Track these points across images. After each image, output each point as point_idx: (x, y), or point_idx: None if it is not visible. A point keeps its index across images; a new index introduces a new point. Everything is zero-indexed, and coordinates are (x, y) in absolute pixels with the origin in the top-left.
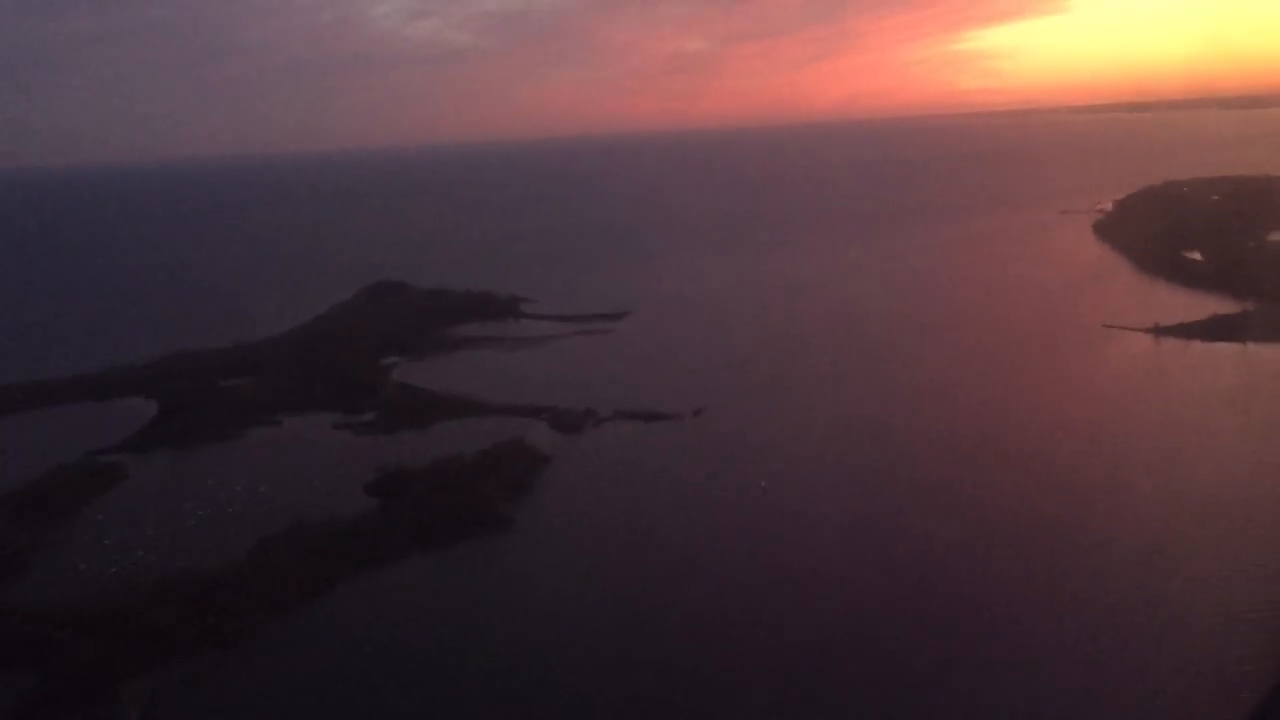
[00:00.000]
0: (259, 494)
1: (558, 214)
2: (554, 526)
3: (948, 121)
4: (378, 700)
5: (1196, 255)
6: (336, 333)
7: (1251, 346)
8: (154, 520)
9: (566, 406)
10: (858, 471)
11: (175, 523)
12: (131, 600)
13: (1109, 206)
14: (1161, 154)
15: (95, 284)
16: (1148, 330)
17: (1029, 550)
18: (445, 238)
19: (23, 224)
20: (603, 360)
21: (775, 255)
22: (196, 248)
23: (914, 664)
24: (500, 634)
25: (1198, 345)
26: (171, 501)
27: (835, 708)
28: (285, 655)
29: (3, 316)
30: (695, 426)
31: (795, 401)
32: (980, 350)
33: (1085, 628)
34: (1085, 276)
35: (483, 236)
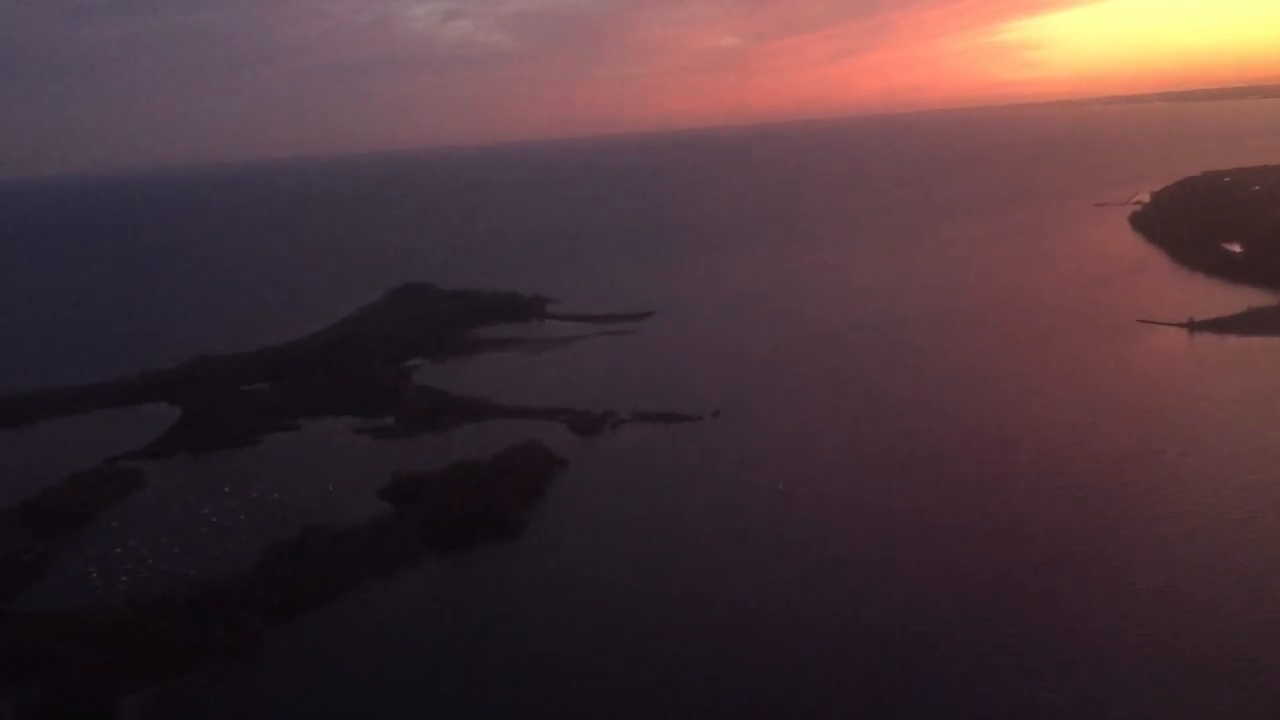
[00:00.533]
0: (273, 500)
1: (589, 213)
2: (566, 532)
3: (986, 114)
4: (380, 711)
5: (1236, 247)
6: (361, 336)
7: None
8: (168, 527)
9: (585, 408)
10: (880, 471)
11: (188, 530)
12: (136, 610)
13: (1146, 198)
14: (1202, 144)
15: (126, 289)
16: (1183, 325)
17: (1050, 549)
18: (476, 239)
19: (57, 230)
20: (624, 361)
21: (807, 252)
22: (228, 252)
23: (953, 666)
24: (508, 643)
25: (1234, 340)
26: (187, 508)
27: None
28: (288, 665)
29: (35, 322)
30: (714, 428)
31: (819, 400)
32: (1010, 349)
33: (1111, 632)
34: (1120, 270)
35: (513, 237)
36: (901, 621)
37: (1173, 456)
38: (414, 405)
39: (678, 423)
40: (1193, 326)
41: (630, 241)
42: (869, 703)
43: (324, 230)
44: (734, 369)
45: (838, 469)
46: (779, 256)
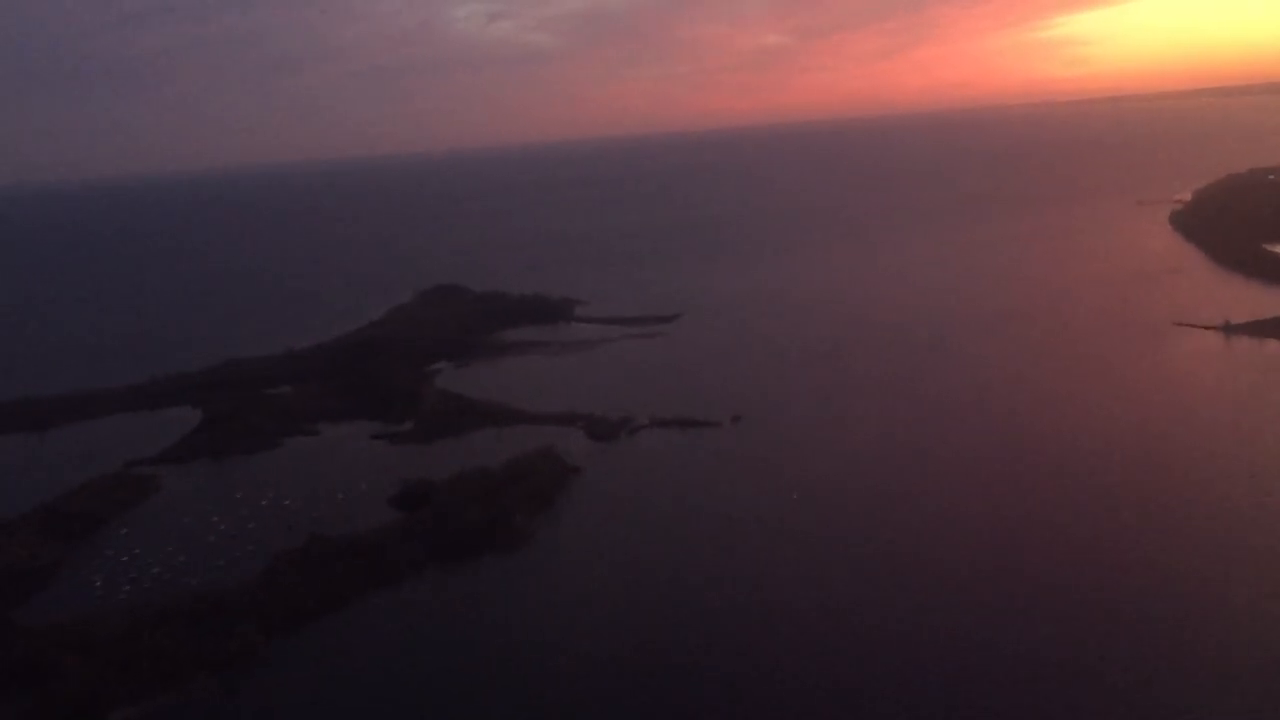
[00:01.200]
0: (285, 507)
1: (626, 213)
2: (573, 543)
3: (1033, 110)
4: None
5: (1278, 248)
6: (387, 339)
7: None
8: (177, 535)
9: (604, 413)
10: (904, 476)
11: (198, 537)
12: (136, 621)
13: (1188, 196)
14: (1250, 140)
15: (160, 291)
16: (1219, 328)
17: (1090, 554)
18: (512, 240)
19: (98, 233)
20: (648, 364)
21: (844, 251)
22: (264, 254)
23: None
24: (509, 656)
25: (1272, 344)
26: (198, 515)
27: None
28: (286, 679)
29: (70, 323)
30: (733, 434)
31: (846, 404)
32: (1043, 351)
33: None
34: (1158, 270)
35: (549, 237)
36: (951, 633)
37: (1203, 461)
38: (433, 410)
39: (696, 428)
40: (1229, 329)
41: (665, 242)
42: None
43: (361, 232)
44: (759, 372)
45: (860, 475)
46: (815, 256)
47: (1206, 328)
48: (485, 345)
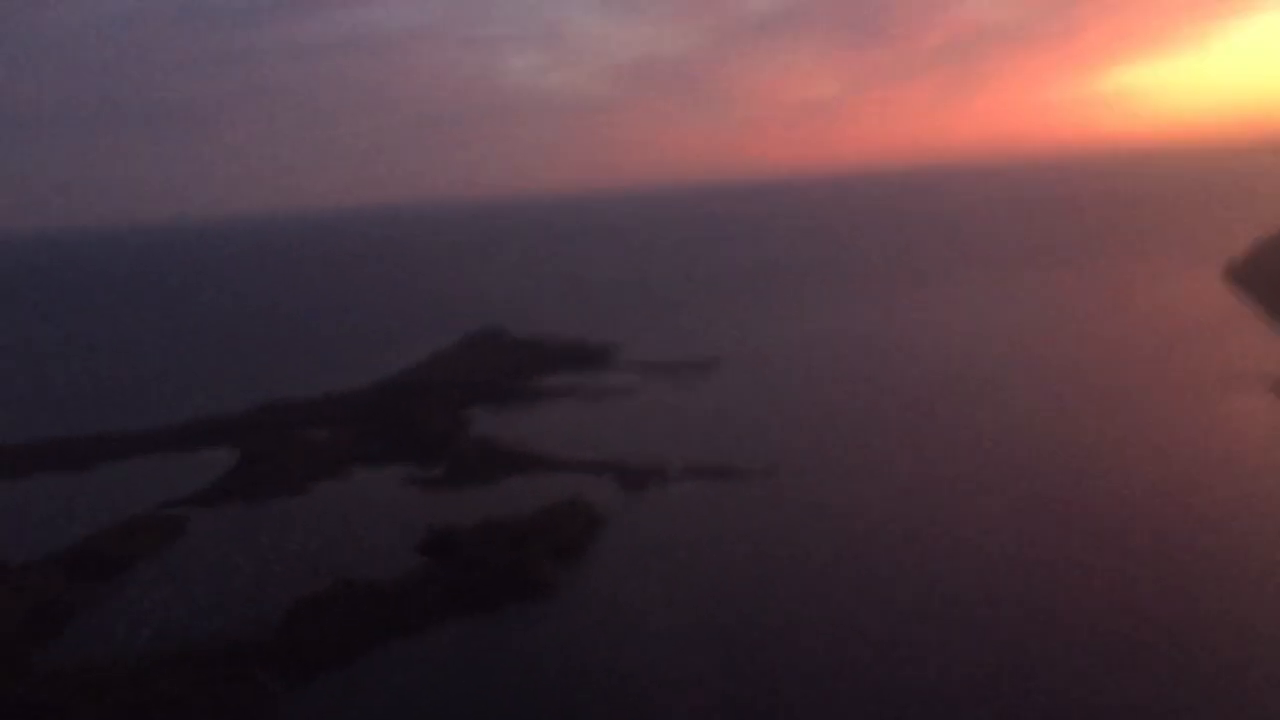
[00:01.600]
0: (310, 551)
1: (676, 258)
2: (598, 593)
3: (1084, 163)
4: None
5: None
6: (425, 383)
7: None
8: (202, 578)
9: (636, 461)
10: (936, 529)
11: (221, 581)
12: (153, 665)
13: (1242, 249)
14: None
15: (211, 332)
16: (1270, 387)
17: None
18: (560, 284)
19: (150, 274)
20: (684, 412)
21: (890, 299)
22: (316, 296)
23: None
24: (530, 707)
25: None
26: (224, 558)
27: None
28: None
29: (110, 363)
30: (766, 485)
31: (884, 457)
32: (1086, 407)
33: None
34: (1208, 325)
35: (597, 282)
36: (989, 684)
37: (1244, 515)
38: (465, 456)
39: (729, 478)
40: None
41: (711, 288)
42: None
43: (410, 275)
44: (797, 422)
45: (896, 528)
46: (861, 304)
47: (1256, 385)
48: (523, 390)
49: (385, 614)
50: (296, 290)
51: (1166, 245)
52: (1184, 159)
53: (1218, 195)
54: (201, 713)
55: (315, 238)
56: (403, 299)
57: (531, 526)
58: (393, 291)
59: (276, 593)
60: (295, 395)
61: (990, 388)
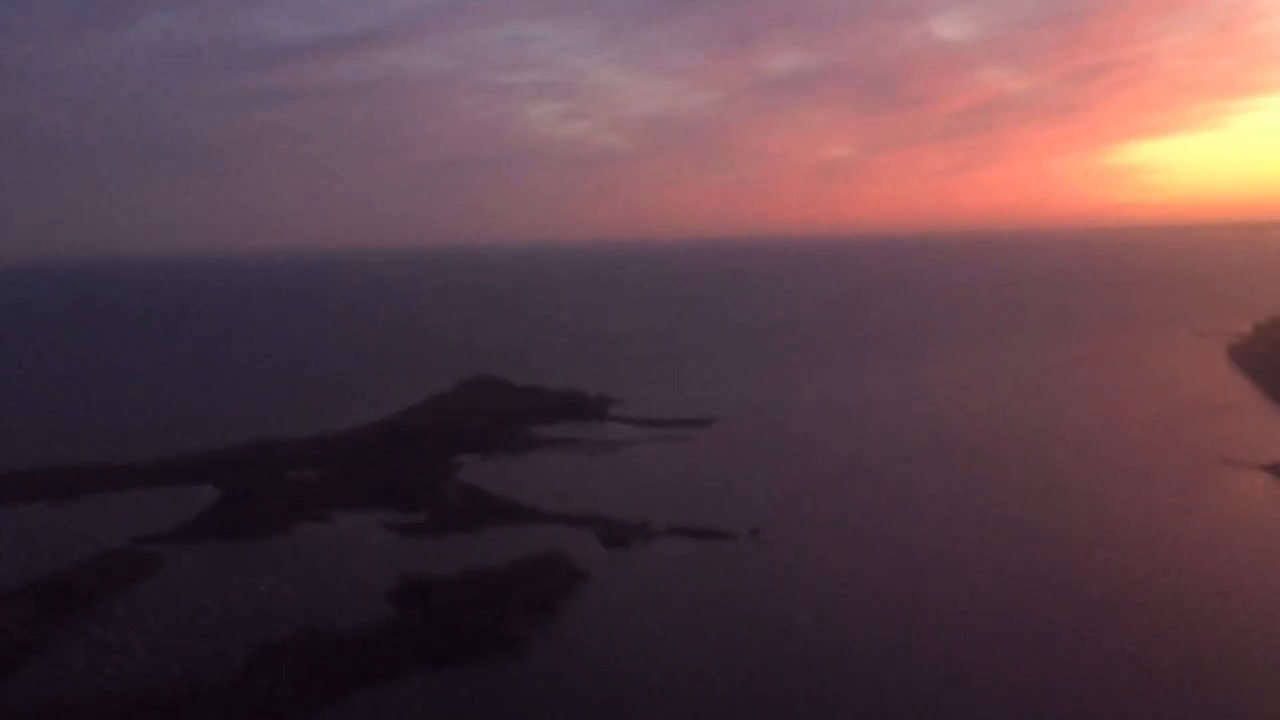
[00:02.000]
0: (282, 594)
1: (682, 314)
2: (571, 650)
3: (1097, 235)
4: None
5: None
6: (417, 428)
7: None
8: (170, 617)
9: (621, 517)
10: (919, 606)
11: (188, 621)
12: (111, 708)
13: (1248, 329)
14: None
15: (211, 368)
16: (1267, 467)
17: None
18: (564, 334)
19: (155, 308)
20: (674, 469)
21: (893, 365)
22: (318, 336)
23: None
24: None
25: None
26: (193, 597)
27: None
28: None
29: (108, 396)
30: (749, 548)
31: (873, 524)
32: (1078, 484)
33: None
34: (1210, 405)
35: (602, 334)
36: None
37: (1243, 599)
38: (451, 503)
39: (713, 539)
40: (1278, 471)
41: (715, 345)
42: None
43: (415, 319)
44: (787, 485)
45: (879, 596)
46: (862, 369)
47: (1257, 467)
48: (515, 439)
49: (350, 663)
50: (300, 329)
51: (1173, 321)
52: (1196, 234)
53: (1230, 271)
54: None
55: (325, 278)
56: (404, 342)
57: (509, 579)
58: (395, 334)
59: (243, 636)
60: (286, 435)
61: (987, 459)
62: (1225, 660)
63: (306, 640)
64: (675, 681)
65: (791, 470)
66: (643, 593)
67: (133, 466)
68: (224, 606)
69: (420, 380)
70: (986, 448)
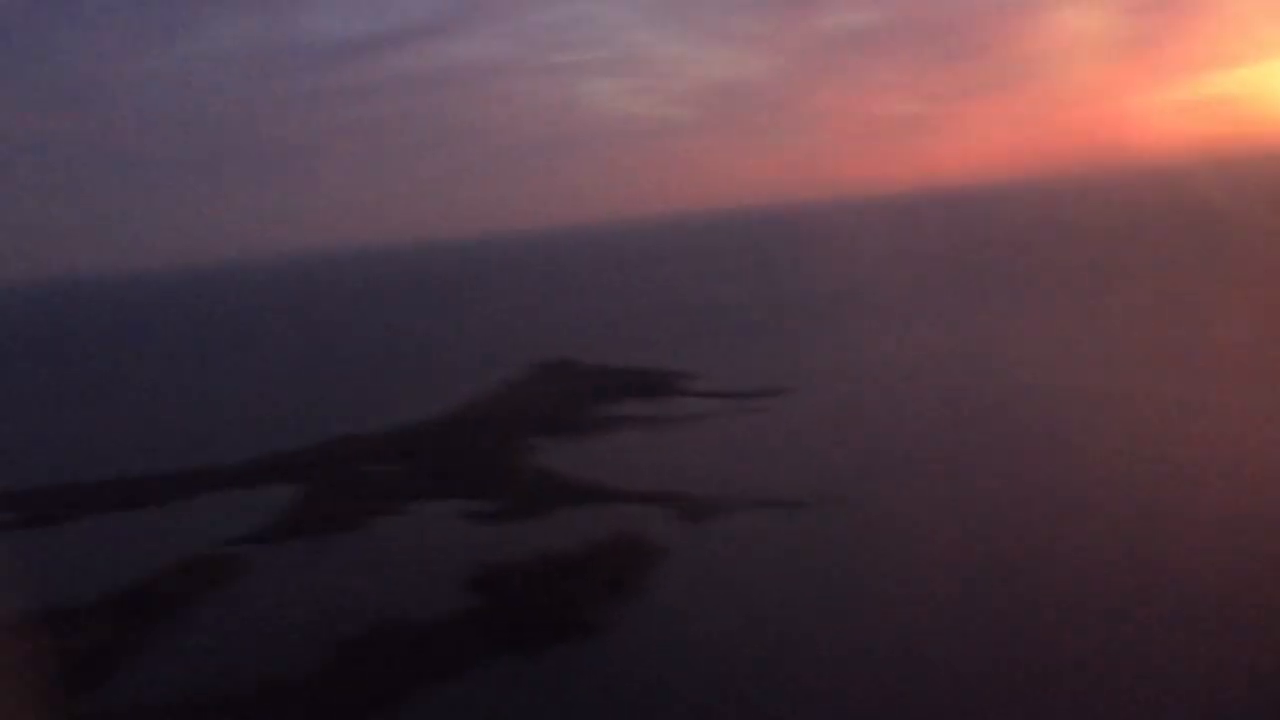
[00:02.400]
0: (360, 590)
1: (754, 283)
2: (650, 635)
3: (1186, 170)
4: None
5: None
6: (490, 415)
7: None
8: (251, 619)
9: (698, 492)
10: (1009, 573)
11: (270, 622)
12: (193, 712)
13: None
14: None
15: (288, 367)
16: None
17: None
18: (636, 311)
19: (222, 312)
20: (750, 441)
21: (976, 324)
22: (394, 329)
23: None
24: None
25: None
26: (274, 598)
27: None
28: None
29: (189, 400)
30: (833, 516)
31: (956, 491)
32: (1171, 436)
33: None
34: None
35: (671, 308)
36: None
37: None
38: (526, 489)
39: (792, 509)
40: None
41: (787, 313)
42: None
43: (486, 305)
44: (869, 453)
45: (965, 565)
46: (947, 328)
47: None
48: (588, 420)
49: (428, 656)
50: (373, 323)
51: (1262, 260)
52: None
53: None
54: None
55: (397, 271)
56: (477, 328)
57: (586, 561)
58: (468, 321)
59: (324, 634)
60: (363, 430)
61: (1073, 421)
62: None
63: (385, 635)
64: (758, 653)
65: (872, 437)
66: (722, 566)
67: (212, 470)
68: (306, 605)
69: (491, 367)
70: (1073, 409)
